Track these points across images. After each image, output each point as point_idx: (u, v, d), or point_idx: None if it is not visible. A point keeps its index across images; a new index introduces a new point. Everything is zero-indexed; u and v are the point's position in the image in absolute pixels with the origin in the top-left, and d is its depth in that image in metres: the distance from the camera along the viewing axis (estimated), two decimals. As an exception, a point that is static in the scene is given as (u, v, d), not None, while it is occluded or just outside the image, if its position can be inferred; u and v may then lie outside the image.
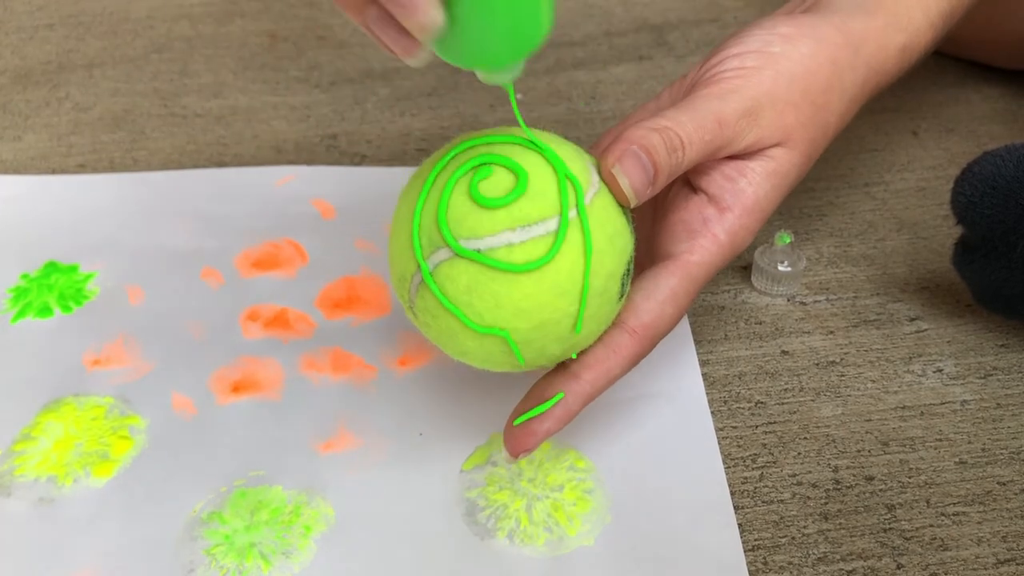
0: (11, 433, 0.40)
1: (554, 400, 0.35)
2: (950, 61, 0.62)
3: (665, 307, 0.36)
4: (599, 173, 0.34)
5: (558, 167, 0.32)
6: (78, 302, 0.46)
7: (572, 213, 0.32)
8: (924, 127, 0.57)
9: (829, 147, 0.56)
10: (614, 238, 0.33)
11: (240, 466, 0.39)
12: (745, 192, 0.38)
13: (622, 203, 0.34)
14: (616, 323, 0.35)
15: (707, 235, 0.37)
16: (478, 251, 0.31)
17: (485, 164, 0.32)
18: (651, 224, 0.40)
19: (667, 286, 0.36)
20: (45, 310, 0.46)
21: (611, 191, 0.34)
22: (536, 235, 0.31)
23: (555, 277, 0.31)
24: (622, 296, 0.34)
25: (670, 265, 0.37)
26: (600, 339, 0.35)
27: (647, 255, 0.39)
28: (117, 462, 0.39)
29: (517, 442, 0.35)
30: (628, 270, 0.34)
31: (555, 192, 0.32)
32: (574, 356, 0.35)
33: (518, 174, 0.31)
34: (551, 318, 0.32)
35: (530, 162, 0.32)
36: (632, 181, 0.34)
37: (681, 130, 0.35)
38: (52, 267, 0.48)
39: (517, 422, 0.35)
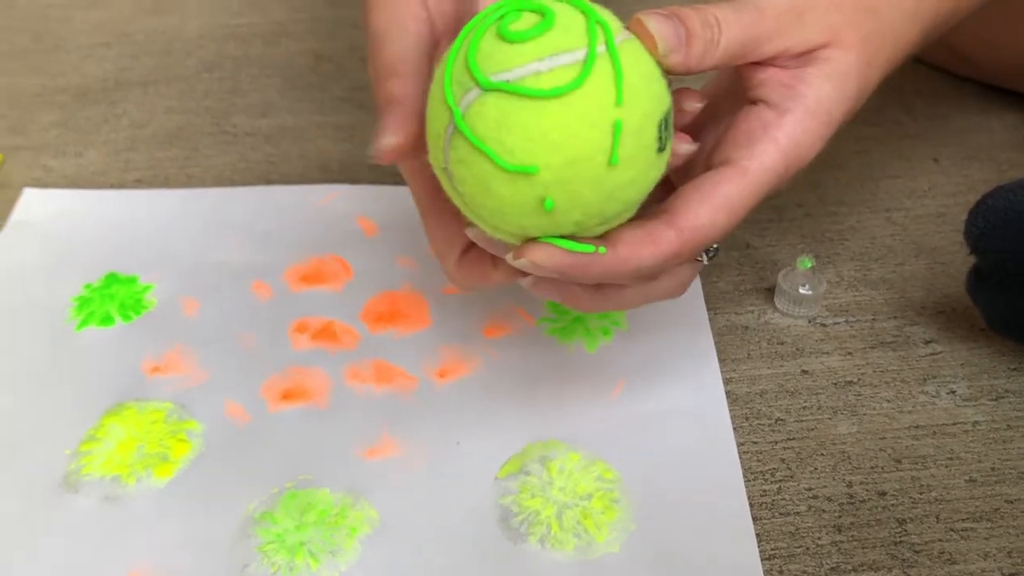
0: (78, 434, 0.43)
1: (585, 248, 0.34)
2: (974, 88, 0.64)
3: (718, 214, 0.35)
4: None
5: (587, 11, 0.32)
6: (137, 312, 0.50)
7: (601, 48, 0.31)
8: (945, 154, 0.59)
9: (851, 173, 0.58)
10: (647, 79, 0.33)
11: (290, 470, 0.42)
12: (805, 95, 0.37)
13: (652, 52, 0.33)
14: (666, 220, 0.35)
15: (766, 139, 0.36)
16: (506, 81, 0.31)
17: (513, 11, 0.32)
18: (713, 141, 0.39)
19: (723, 193, 0.35)
20: (107, 319, 0.49)
21: (641, 39, 0.33)
22: (564, 63, 0.31)
23: (584, 105, 0.31)
24: (662, 149, 0.33)
25: (728, 171, 0.36)
26: (643, 226, 0.34)
27: (706, 169, 0.38)
28: (176, 464, 0.42)
29: (532, 250, 0.34)
30: (666, 121, 0.33)
31: (583, 28, 0.32)
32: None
33: (545, 13, 0.32)
34: (583, 153, 0.31)
35: (559, 6, 0.33)
36: (659, 29, 0.33)
37: (717, 11, 0.35)
38: (112, 278, 0.51)
39: (544, 238, 0.34)
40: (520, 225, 0.33)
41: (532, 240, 0.34)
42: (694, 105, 0.36)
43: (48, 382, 0.46)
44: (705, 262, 0.40)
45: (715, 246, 0.40)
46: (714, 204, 0.35)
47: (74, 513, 0.40)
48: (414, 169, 0.38)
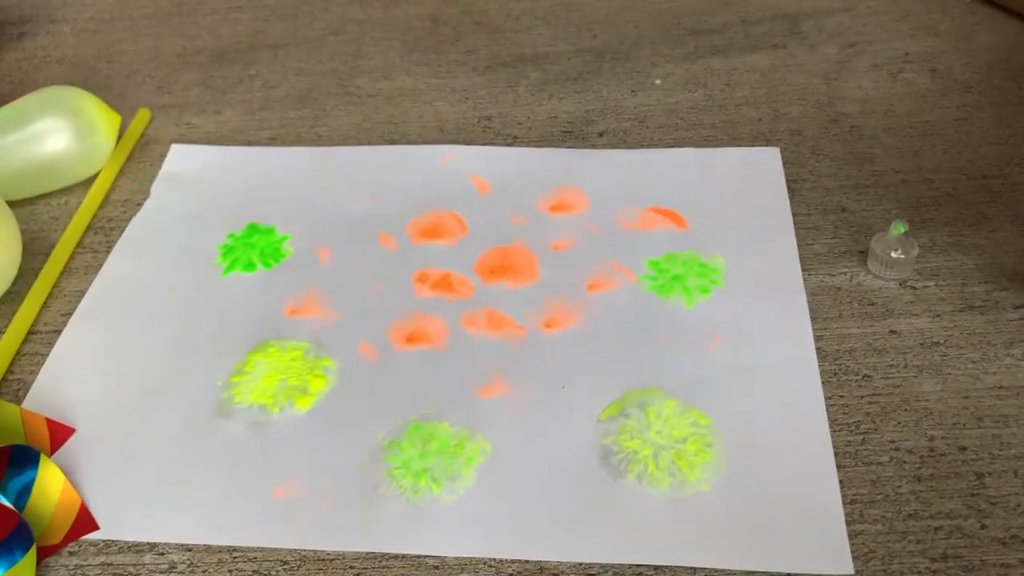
0: (228, 367, 0.49)
1: None
2: (1081, 56, 0.64)
3: None
4: None
5: None
6: (276, 260, 0.55)
7: None
8: (1048, 122, 0.60)
9: (950, 140, 0.60)
10: None
11: (414, 404, 0.47)
12: None
13: None
14: None
15: None
16: None
17: None
18: None
19: None
20: (250, 265, 0.55)
21: None
22: None
23: None
24: None
25: None
26: None
27: None
28: (314, 396, 0.47)
29: None
30: None
31: None
32: None
33: None
34: None
35: None
36: None
37: None
38: (253, 228, 0.57)
39: None
40: None
41: None
42: None
43: (201, 320, 0.52)
44: None
45: None
46: None
47: (227, 436, 0.46)
48: None
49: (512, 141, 0.62)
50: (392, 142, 0.63)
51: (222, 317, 0.52)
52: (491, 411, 0.46)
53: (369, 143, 0.63)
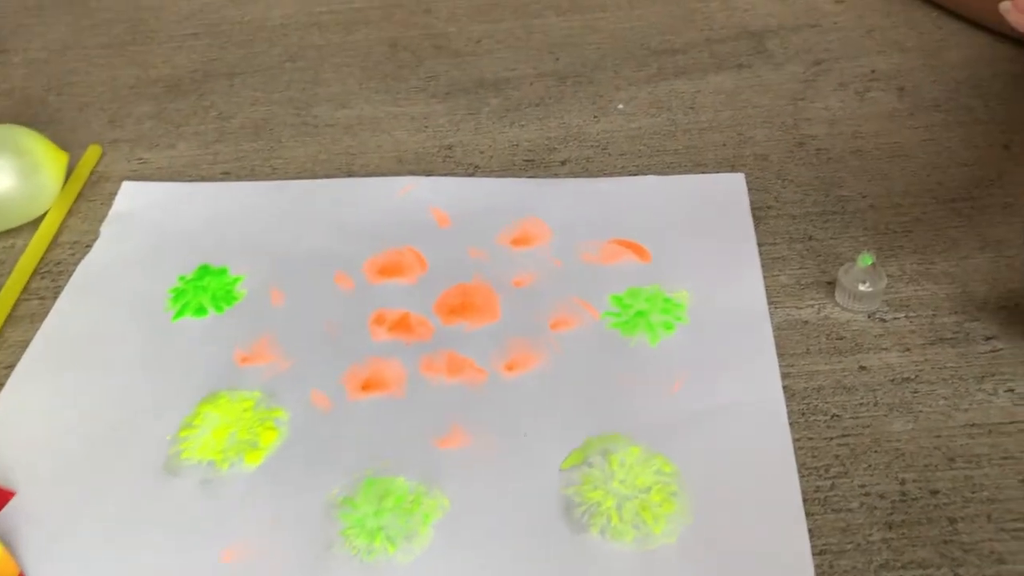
0: (176, 421, 0.47)
1: None
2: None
3: None
4: None
5: None
6: (228, 303, 0.53)
7: None
8: (1017, 140, 0.59)
9: (918, 162, 0.58)
10: None
11: (369, 457, 0.45)
12: None
13: None
14: None
15: None
16: None
17: None
18: None
19: None
20: (200, 310, 0.53)
21: None
22: None
23: None
24: None
25: None
26: None
27: None
28: (265, 450, 0.46)
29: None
30: None
31: None
32: None
33: None
34: None
35: None
36: None
37: None
38: (205, 270, 0.55)
39: None
40: None
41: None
42: None
43: (150, 370, 0.50)
44: None
45: None
46: None
47: (175, 495, 0.44)
48: None
49: (473, 171, 0.61)
50: (350, 174, 0.61)
51: (172, 366, 0.50)
52: (450, 463, 0.45)
53: (326, 175, 0.61)
